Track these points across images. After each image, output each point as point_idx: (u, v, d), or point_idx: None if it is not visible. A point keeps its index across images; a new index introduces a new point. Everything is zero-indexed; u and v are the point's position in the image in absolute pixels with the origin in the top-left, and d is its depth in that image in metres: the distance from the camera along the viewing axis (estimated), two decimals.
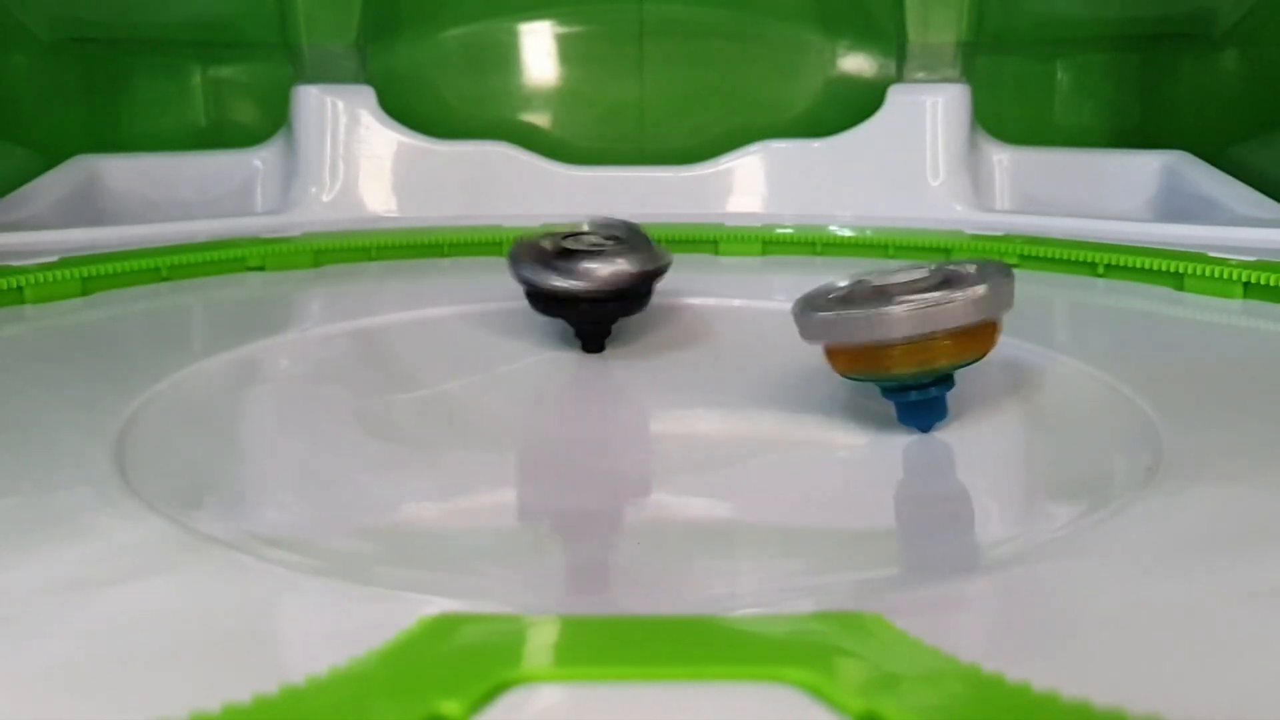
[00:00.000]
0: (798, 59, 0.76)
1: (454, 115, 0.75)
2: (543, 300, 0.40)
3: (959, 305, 0.30)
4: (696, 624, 0.18)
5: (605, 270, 0.39)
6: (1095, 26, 0.74)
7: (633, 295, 0.41)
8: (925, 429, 0.32)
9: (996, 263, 0.32)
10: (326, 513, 0.28)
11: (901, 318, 0.30)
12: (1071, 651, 0.17)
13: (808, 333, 0.32)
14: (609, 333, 0.42)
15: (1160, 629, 0.18)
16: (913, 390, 0.32)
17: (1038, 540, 0.25)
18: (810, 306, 0.32)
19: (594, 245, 0.40)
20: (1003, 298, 0.31)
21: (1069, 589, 0.20)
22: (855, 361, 0.31)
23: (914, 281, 0.32)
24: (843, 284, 0.33)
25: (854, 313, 0.31)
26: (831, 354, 0.32)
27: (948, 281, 0.31)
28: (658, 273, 0.41)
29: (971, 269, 0.32)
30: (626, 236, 0.41)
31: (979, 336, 0.31)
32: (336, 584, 0.21)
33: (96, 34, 0.72)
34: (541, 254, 0.40)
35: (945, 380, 0.32)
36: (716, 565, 0.26)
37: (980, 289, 0.30)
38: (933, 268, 0.32)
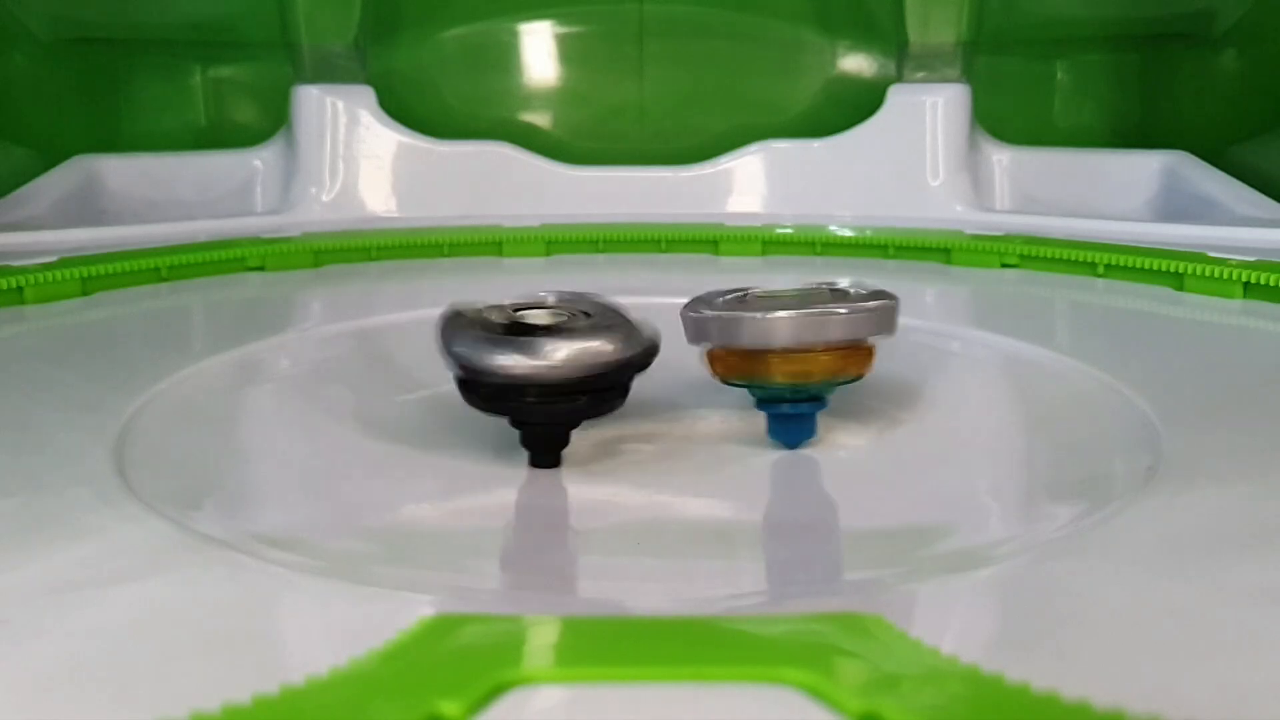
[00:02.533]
0: (798, 59, 0.76)
1: (454, 115, 0.75)
2: (481, 389, 0.29)
3: (840, 320, 0.30)
4: (696, 624, 0.18)
5: (567, 351, 0.28)
6: (1095, 26, 0.74)
7: (607, 388, 0.30)
8: (792, 445, 0.32)
9: (884, 290, 0.32)
10: (326, 513, 0.28)
11: (783, 325, 0.30)
12: (1071, 652, 0.17)
13: (692, 334, 0.32)
14: (567, 441, 0.31)
15: (1160, 629, 0.18)
16: (786, 404, 0.32)
17: (1038, 540, 0.25)
18: (697, 309, 0.32)
19: (556, 320, 0.30)
20: (885, 320, 0.31)
21: (1069, 589, 0.20)
22: (734, 366, 0.32)
23: (802, 295, 0.32)
24: (732, 291, 0.33)
25: (738, 315, 0.31)
26: (712, 358, 0.32)
27: (833, 299, 0.31)
28: (643, 359, 0.30)
29: (861, 291, 0.32)
30: (597, 314, 0.31)
31: (856, 357, 0.31)
32: (336, 584, 0.21)
33: (96, 34, 0.72)
34: (485, 326, 0.29)
35: (818, 399, 0.32)
36: (716, 565, 0.26)
37: (863, 307, 0.30)
38: (825, 285, 0.33)
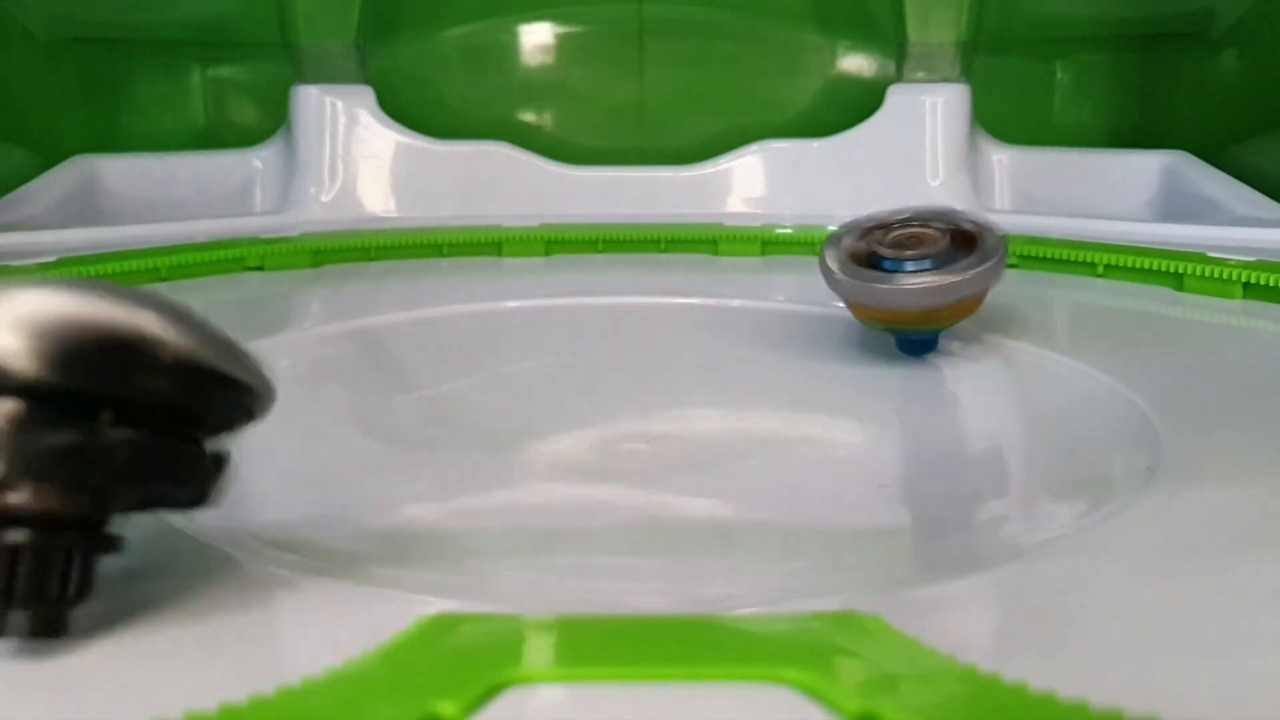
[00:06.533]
0: (798, 59, 0.76)
1: (453, 115, 0.75)
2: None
3: (963, 282, 0.35)
4: (695, 624, 0.18)
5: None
6: (1095, 26, 0.74)
7: None
8: (917, 356, 0.39)
9: (990, 226, 0.37)
10: (325, 513, 0.28)
11: (913, 292, 0.35)
12: (1069, 651, 0.17)
13: (829, 283, 0.37)
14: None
15: (1160, 629, 0.18)
16: (912, 331, 0.38)
17: (1037, 540, 0.25)
18: (834, 255, 0.37)
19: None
20: (999, 270, 0.36)
21: (1068, 589, 0.20)
22: (864, 312, 0.38)
23: (923, 235, 0.37)
24: (863, 222, 0.38)
25: (870, 285, 0.36)
26: (849, 304, 0.38)
27: (954, 245, 0.36)
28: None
29: (973, 230, 0.36)
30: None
31: (976, 301, 0.37)
32: (334, 584, 0.21)
33: (96, 34, 0.72)
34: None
35: (939, 330, 0.38)
36: (716, 565, 0.26)
37: (982, 267, 0.35)
38: (939, 215, 0.37)
